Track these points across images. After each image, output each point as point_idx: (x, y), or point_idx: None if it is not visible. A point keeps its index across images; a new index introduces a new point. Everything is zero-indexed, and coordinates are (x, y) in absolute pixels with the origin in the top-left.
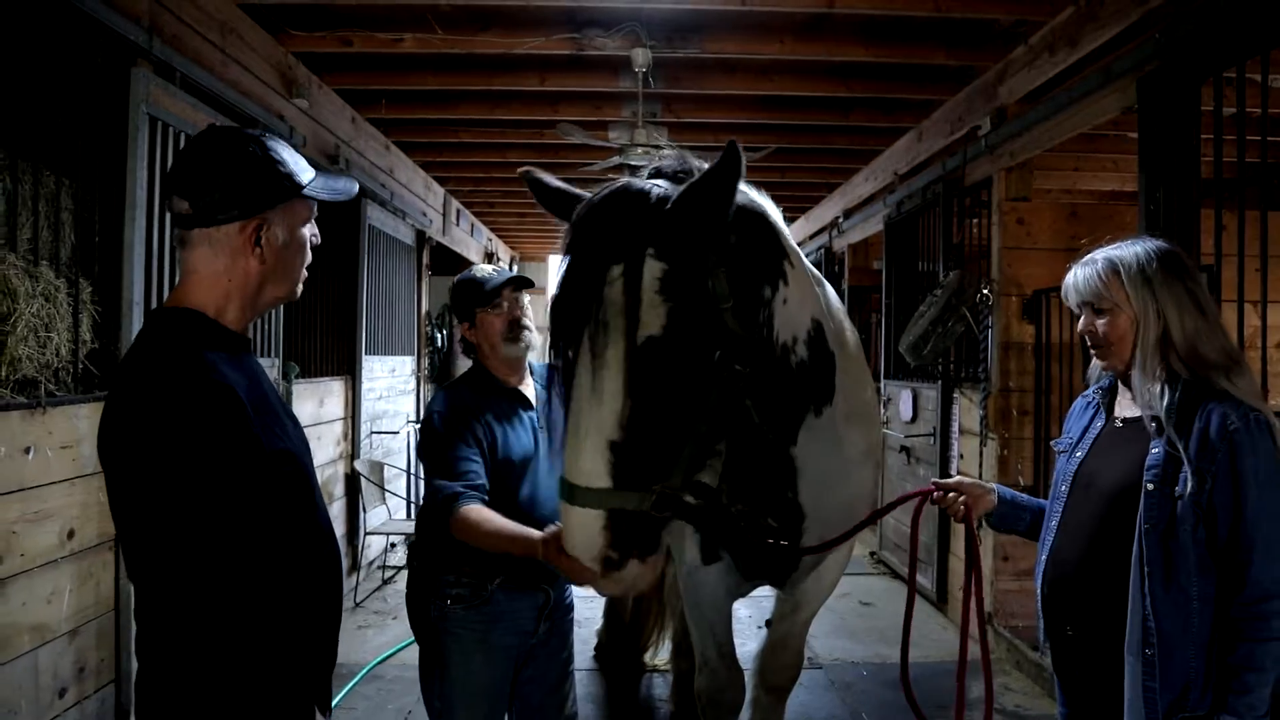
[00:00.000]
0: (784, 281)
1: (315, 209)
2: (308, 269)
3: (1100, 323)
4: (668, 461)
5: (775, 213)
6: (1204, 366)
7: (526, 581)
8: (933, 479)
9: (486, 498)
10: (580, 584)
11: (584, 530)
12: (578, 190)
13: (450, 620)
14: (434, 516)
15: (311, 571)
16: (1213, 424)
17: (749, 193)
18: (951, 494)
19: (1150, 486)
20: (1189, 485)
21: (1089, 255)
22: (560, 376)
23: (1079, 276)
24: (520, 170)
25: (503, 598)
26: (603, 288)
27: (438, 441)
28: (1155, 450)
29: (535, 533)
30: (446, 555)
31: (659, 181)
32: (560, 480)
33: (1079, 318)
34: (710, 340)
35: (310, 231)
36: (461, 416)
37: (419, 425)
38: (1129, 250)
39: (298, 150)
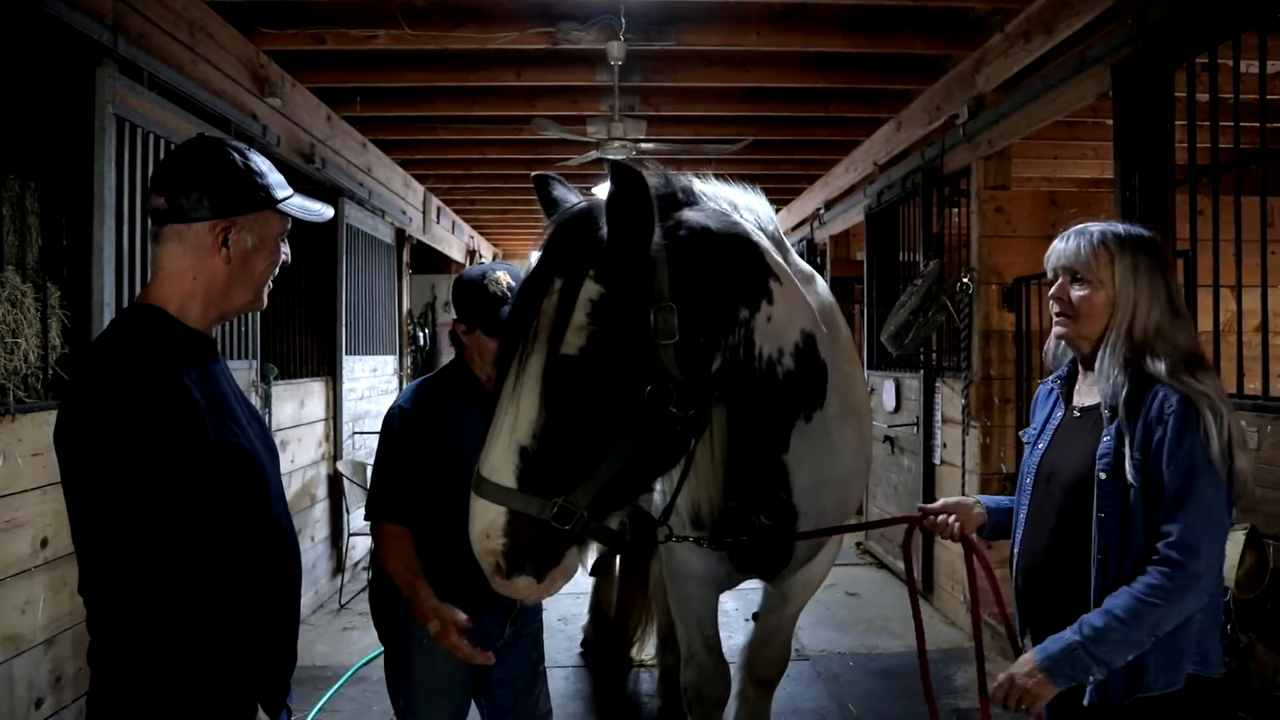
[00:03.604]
0: (768, 301)
1: (288, 226)
2: (284, 272)
3: (1077, 293)
4: (574, 477)
5: (764, 223)
6: (1156, 359)
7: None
8: (919, 505)
9: (408, 518)
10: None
11: (484, 521)
12: (574, 198)
13: (414, 623)
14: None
15: (261, 569)
16: (1154, 405)
17: (730, 215)
18: (942, 517)
19: (1103, 476)
20: (1135, 472)
21: (1081, 225)
22: (496, 372)
23: (1069, 244)
24: (534, 175)
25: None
26: (542, 298)
27: (389, 443)
28: (1106, 439)
29: (426, 597)
30: None
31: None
32: (474, 473)
33: (1053, 284)
34: (638, 374)
35: (284, 250)
36: (419, 426)
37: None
38: (1123, 232)
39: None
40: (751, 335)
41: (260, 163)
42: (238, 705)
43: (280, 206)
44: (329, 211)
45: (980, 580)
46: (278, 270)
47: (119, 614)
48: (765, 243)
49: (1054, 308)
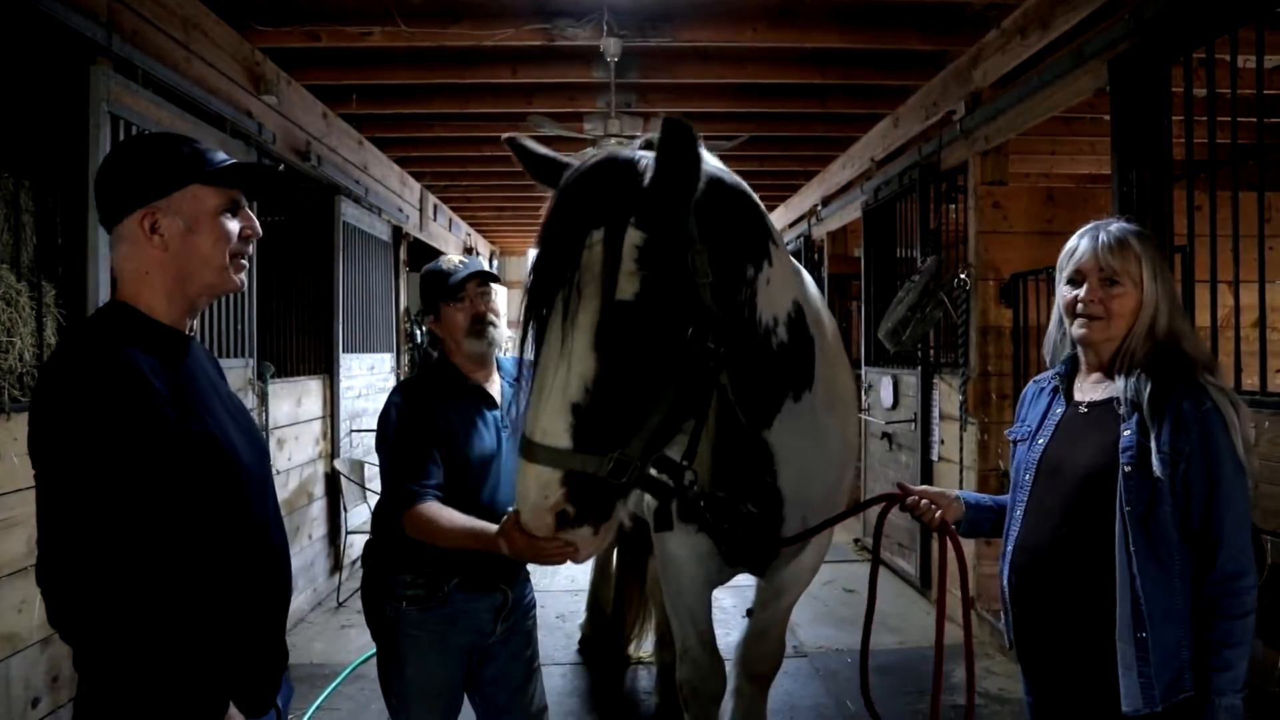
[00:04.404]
0: (768, 261)
1: (237, 200)
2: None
3: (1110, 295)
4: (628, 429)
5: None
6: (1182, 359)
7: (484, 582)
8: (897, 482)
9: (441, 495)
10: (540, 561)
11: (539, 487)
12: (565, 158)
13: (406, 621)
14: (388, 514)
15: (235, 560)
16: (1185, 405)
17: (732, 173)
18: (925, 501)
19: (1128, 469)
20: (1162, 467)
21: (1094, 224)
22: (532, 338)
23: (1100, 242)
24: (504, 136)
25: (460, 598)
26: (581, 251)
27: (394, 439)
28: (1127, 433)
29: (493, 526)
30: (402, 555)
31: (647, 153)
32: (520, 438)
33: (1074, 282)
34: (683, 315)
35: (237, 225)
36: (419, 413)
37: (377, 419)
38: (1140, 230)
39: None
40: (754, 297)
41: (185, 145)
42: (203, 700)
43: (202, 176)
44: (271, 167)
45: (980, 571)
46: (242, 244)
47: (66, 602)
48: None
49: (1081, 309)
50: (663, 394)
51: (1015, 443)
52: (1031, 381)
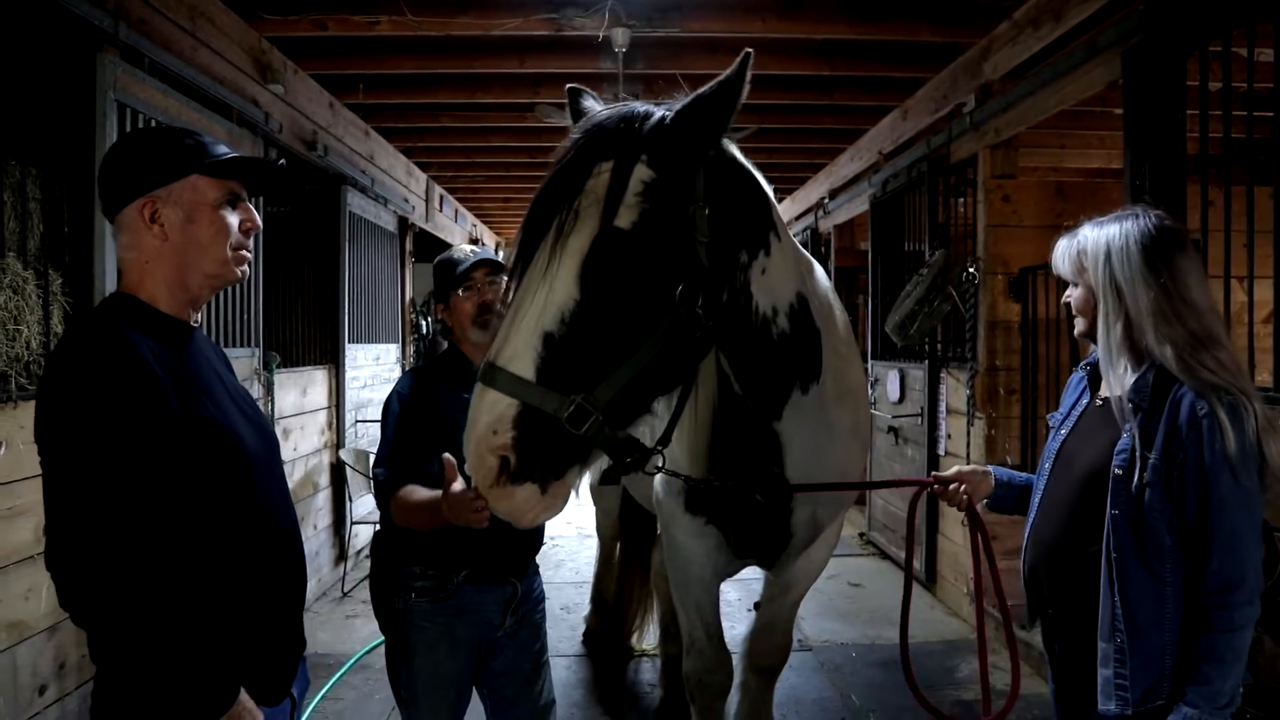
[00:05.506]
0: (765, 251)
1: (238, 192)
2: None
3: (1072, 294)
4: (597, 374)
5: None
6: (1165, 347)
7: (493, 574)
8: (933, 473)
9: (427, 484)
10: (468, 521)
11: (490, 419)
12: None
13: (415, 613)
14: (377, 504)
15: (242, 545)
16: (1183, 408)
17: (745, 162)
18: (953, 486)
19: (1119, 472)
20: (1154, 473)
21: (1073, 228)
22: (519, 267)
23: (1057, 249)
24: (569, 86)
25: (469, 590)
26: (586, 180)
27: (391, 426)
28: (1125, 436)
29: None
30: (411, 547)
31: (668, 106)
32: (482, 364)
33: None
34: (676, 266)
35: (237, 218)
36: (421, 402)
37: (382, 406)
38: (1106, 226)
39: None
40: (749, 285)
41: (180, 138)
42: (211, 682)
43: (201, 167)
44: (273, 161)
45: (986, 566)
46: (241, 237)
47: (72, 583)
48: (772, 197)
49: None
50: (640, 345)
51: (1051, 428)
52: (1077, 366)
